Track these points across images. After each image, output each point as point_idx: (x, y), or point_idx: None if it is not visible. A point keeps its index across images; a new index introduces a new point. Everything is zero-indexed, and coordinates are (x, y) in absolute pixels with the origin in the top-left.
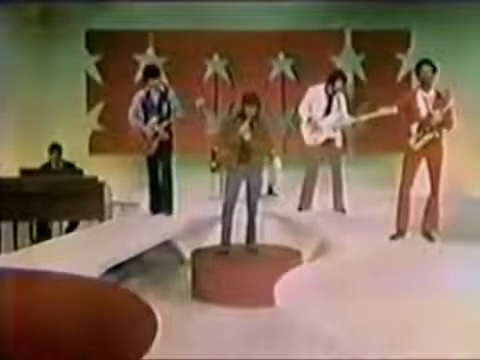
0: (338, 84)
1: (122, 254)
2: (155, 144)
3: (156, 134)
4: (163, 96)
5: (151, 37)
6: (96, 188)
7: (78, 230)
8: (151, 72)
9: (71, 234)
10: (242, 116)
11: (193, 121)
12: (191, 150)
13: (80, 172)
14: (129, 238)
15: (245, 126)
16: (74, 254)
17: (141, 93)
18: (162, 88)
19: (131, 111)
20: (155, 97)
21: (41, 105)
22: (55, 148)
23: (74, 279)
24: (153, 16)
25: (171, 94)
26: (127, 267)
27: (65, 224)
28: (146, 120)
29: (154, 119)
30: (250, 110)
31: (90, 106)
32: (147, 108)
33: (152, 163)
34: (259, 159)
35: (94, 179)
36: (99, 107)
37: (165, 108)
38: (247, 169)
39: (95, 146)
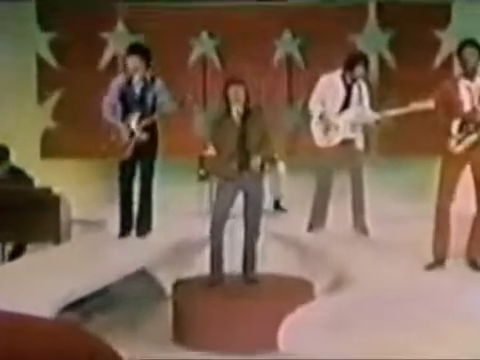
0: (359, 70)
1: (83, 286)
2: (131, 147)
3: (133, 134)
4: (147, 86)
5: (121, 9)
6: (50, 202)
7: (26, 255)
8: (136, 49)
9: (17, 260)
10: (228, 105)
11: (177, 119)
12: (174, 154)
13: (30, 181)
14: (93, 266)
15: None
16: (21, 286)
17: (120, 79)
18: (147, 76)
19: (106, 102)
20: (138, 86)
21: None
22: (0, 150)
23: (19, 319)
24: None
25: (159, 85)
26: (90, 303)
27: (9, 247)
28: (124, 115)
29: (137, 114)
30: (237, 89)
31: (42, 97)
32: (127, 100)
33: (126, 170)
34: (259, 164)
35: (47, 190)
36: (54, 98)
37: (149, 102)
38: (244, 178)
39: (48, 148)
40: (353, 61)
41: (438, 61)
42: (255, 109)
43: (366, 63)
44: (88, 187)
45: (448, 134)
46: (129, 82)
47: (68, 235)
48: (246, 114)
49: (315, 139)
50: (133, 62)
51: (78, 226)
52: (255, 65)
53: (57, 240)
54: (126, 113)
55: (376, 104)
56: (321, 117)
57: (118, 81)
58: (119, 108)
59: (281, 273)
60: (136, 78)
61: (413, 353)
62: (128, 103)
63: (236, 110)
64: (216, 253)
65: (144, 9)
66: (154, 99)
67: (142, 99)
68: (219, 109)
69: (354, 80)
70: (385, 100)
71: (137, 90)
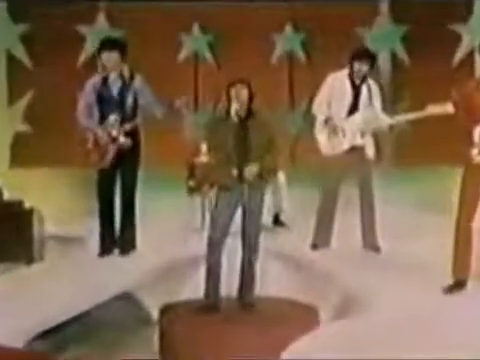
0: (365, 68)
1: (59, 312)
2: (112, 154)
3: (114, 139)
4: (126, 85)
5: (102, 0)
6: (21, 216)
7: None
8: (108, 43)
9: None
10: (229, 105)
11: (163, 122)
12: (160, 162)
13: None
14: (70, 289)
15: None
16: None
17: (96, 79)
18: (126, 73)
19: (82, 104)
20: (115, 86)
21: None
22: None
23: None
24: None
25: (138, 83)
26: (66, 331)
27: None
28: (102, 119)
29: (116, 117)
30: (240, 88)
31: (13, 98)
32: (103, 102)
33: (106, 180)
34: (253, 173)
35: (18, 203)
36: (26, 100)
37: (129, 102)
38: (243, 189)
39: (19, 155)
40: (357, 57)
41: (458, 58)
42: (259, 111)
43: (372, 59)
44: (64, 199)
45: (469, 142)
46: (105, 81)
47: (42, 254)
48: (248, 116)
49: (320, 146)
50: (108, 59)
51: (53, 243)
52: (252, 63)
53: (30, 260)
54: (104, 116)
55: (388, 107)
56: (326, 121)
57: (93, 81)
58: (96, 110)
59: (282, 297)
60: (112, 77)
61: None
62: (105, 105)
63: (235, 110)
64: (213, 274)
65: (127, 2)
66: (135, 99)
67: (121, 100)
68: (214, 110)
69: (363, 79)
70: (398, 102)
71: (114, 90)
